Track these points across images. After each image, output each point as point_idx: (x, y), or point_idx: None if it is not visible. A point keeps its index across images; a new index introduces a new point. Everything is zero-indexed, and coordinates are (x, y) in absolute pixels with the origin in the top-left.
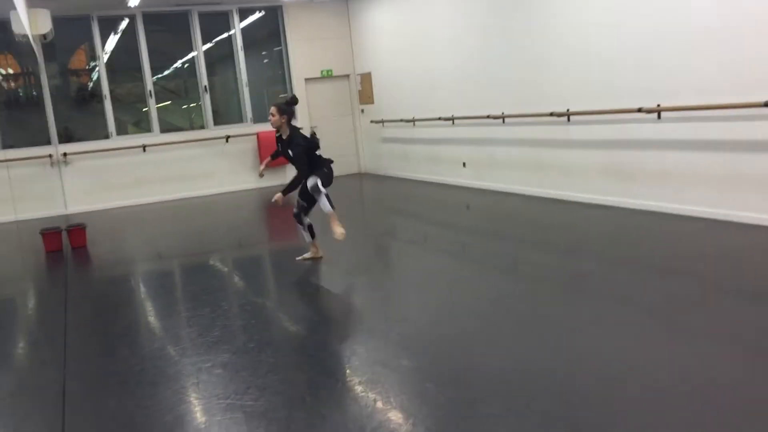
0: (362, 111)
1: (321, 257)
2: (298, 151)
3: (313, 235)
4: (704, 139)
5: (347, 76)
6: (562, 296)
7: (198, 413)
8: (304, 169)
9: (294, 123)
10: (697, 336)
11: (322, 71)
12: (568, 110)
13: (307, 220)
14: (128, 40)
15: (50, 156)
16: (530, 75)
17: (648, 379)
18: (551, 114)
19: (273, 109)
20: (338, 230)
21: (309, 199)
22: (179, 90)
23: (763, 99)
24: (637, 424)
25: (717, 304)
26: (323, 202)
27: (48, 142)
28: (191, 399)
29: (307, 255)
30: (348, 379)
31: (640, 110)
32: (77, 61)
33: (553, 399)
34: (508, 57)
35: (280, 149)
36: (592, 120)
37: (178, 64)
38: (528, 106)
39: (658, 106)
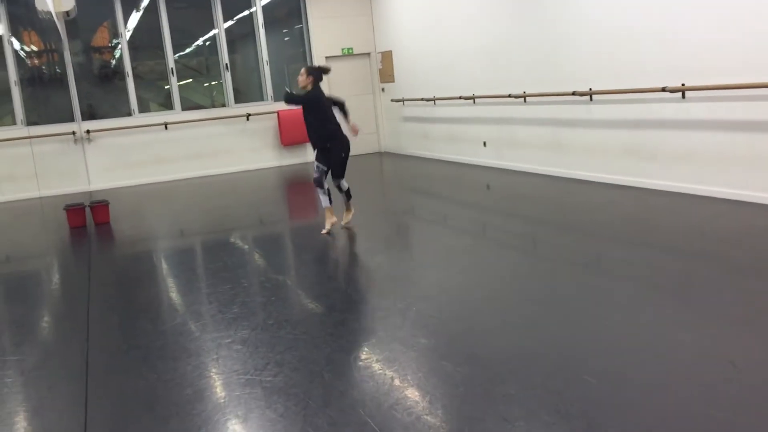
0: (383, 90)
1: (338, 222)
2: (306, 96)
3: (330, 200)
4: (730, 119)
5: (368, 54)
6: (581, 277)
7: (217, 388)
8: (296, 99)
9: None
10: (718, 318)
11: (342, 49)
12: (590, 89)
13: (326, 184)
14: (150, 17)
15: (73, 133)
16: (552, 53)
17: (666, 361)
18: (573, 93)
19: (303, 70)
20: (327, 224)
21: (327, 162)
22: (200, 68)
23: None
24: (653, 406)
25: (738, 286)
26: (320, 199)
27: (71, 119)
28: (211, 374)
29: (327, 226)
30: (366, 356)
31: (664, 89)
32: (100, 38)
33: (569, 380)
34: (531, 35)
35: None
36: (615, 99)
37: (200, 41)
38: (550, 85)
39: (683, 85)
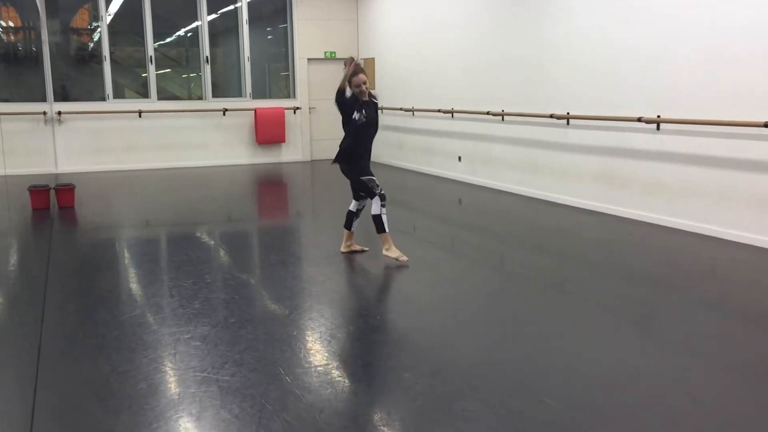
0: None
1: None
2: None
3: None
4: (702, 154)
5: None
6: (546, 298)
7: (172, 384)
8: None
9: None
10: (679, 349)
11: (325, 53)
12: (568, 113)
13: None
14: (133, 3)
15: (44, 113)
16: (534, 75)
17: (625, 390)
18: (551, 116)
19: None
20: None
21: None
22: (180, 58)
23: (763, 119)
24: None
25: (698, 318)
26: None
27: (43, 99)
28: (167, 369)
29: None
30: (326, 362)
31: (640, 120)
32: (79, 20)
33: (529, 399)
34: (514, 55)
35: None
36: (592, 125)
37: (181, 32)
38: (529, 106)
39: (658, 117)
